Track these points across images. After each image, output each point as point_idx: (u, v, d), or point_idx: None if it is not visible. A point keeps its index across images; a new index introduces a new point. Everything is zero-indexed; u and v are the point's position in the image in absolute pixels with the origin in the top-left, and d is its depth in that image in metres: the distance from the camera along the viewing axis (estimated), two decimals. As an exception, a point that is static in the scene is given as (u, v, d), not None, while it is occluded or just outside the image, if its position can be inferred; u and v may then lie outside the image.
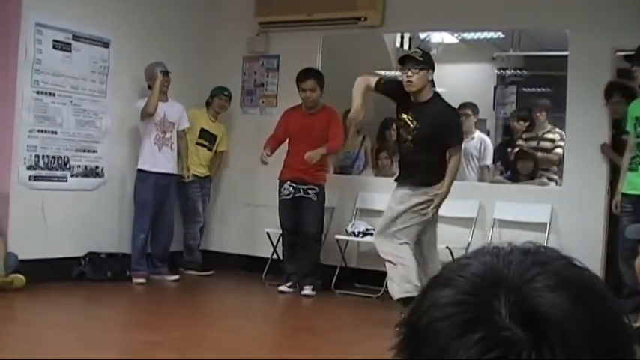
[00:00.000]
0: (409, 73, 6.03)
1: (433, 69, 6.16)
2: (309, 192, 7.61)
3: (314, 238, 7.69)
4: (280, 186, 7.73)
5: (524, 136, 8.53)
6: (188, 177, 8.17)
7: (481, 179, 8.41)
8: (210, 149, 8.53)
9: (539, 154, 8.17)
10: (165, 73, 7.79)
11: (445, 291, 0.79)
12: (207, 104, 8.50)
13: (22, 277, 6.85)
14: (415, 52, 6.40)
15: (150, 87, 7.79)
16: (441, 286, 0.80)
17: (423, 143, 6.14)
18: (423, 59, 6.11)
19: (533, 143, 8.34)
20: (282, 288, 7.61)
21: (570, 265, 0.81)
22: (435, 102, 6.21)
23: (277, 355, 5.43)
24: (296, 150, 7.60)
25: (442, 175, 6.19)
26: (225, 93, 8.46)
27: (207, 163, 8.58)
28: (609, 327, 0.77)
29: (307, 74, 7.70)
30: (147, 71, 7.85)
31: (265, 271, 8.14)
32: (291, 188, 7.64)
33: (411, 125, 6.16)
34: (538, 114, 8.41)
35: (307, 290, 7.55)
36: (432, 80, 6.22)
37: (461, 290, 0.78)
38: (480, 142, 8.55)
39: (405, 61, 6.16)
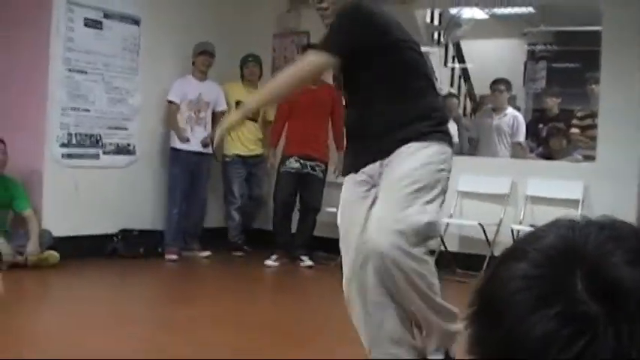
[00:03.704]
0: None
1: None
2: (316, 168, 7.67)
3: (315, 212, 7.81)
4: (285, 159, 7.74)
5: (578, 114, 8.14)
6: (217, 160, 8.14)
7: (514, 156, 8.34)
8: (254, 120, 8.13)
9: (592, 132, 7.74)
10: (205, 52, 7.86)
11: (521, 264, 0.78)
12: (242, 77, 8.41)
13: (56, 254, 6.92)
14: None
15: (194, 63, 7.95)
16: (516, 258, 0.79)
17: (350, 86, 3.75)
18: None
19: (588, 121, 7.91)
20: (269, 262, 7.68)
21: None
22: None
23: (319, 326, 5.43)
24: (301, 124, 7.59)
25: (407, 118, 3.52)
26: (250, 59, 8.33)
27: (255, 137, 8.30)
28: None
29: (313, 45, 7.74)
30: (193, 49, 7.95)
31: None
32: (298, 164, 7.67)
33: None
34: (593, 86, 7.82)
35: (307, 261, 7.75)
36: None
37: (537, 263, 0.77)
38: (512, 119, 8.46)
39: None
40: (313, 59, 3.64)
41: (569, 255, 0.77)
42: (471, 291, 0.84)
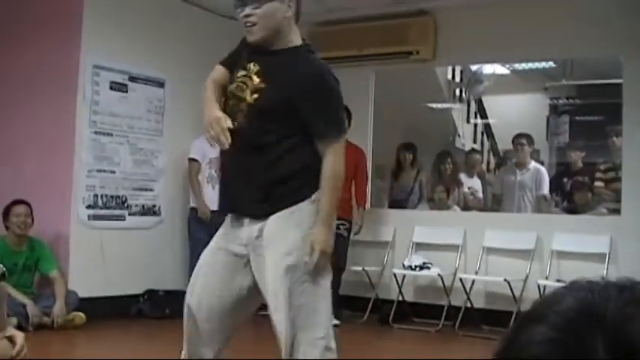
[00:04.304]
0: (247, 12, 3.37)
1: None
2: (340, 227, 7.63)
3: (340, 272, 7.67)
4: None
5: (602, 167, 8.10)
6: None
7: (538, 210, 8.30)
8: None
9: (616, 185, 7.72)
10: None
11: (540, 327, 0.78)
12: None
13: (82, 315, 6.94)
14: None
15: None
16: (535, 321, 0.79)
17: (267, 117, 3.37)
18: None
19: (612, 174, 7.90)
20: None
21: None
22: (297, 54, 3.45)
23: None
24: None
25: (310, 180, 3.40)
26: None
27: None
28: None
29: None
30: None
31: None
32: None
33: (253, 83, 3.42)
34: (615, 139, 7.86)
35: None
36: (295, 14, 3.46)
37: (556, 327, 0.77)
38: (535, 173, 8.45)
39: None
40: (340, 150, 3.50)
41: (589, 319, 0.76)
42: (491, 355, 0.84)
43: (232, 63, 3.58)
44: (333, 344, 3.35)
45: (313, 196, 3.36)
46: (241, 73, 3.46)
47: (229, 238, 3.48)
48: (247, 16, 3.36)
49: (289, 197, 3.35)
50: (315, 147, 3.39)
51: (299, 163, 3.36)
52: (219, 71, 3.66)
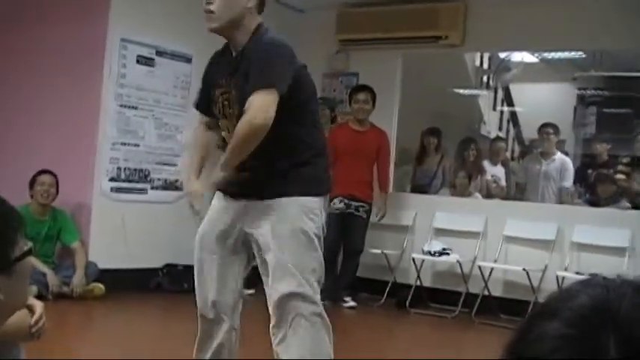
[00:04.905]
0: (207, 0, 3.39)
1: None
2: (360, 209, 7.65)
3: (358, 254, 7.76)
4: (330, 201, 7.74)
5: (624, 160, 7.95)
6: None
7: (560, 201, 8.26)
8: None
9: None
10: None
11: (553, 323, 0.78)
12: None
13: (101, 286, 7.00)
14: None
15: None
16: (548, 316, 0.79)
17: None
18: None
19: (630, 168, 7.75)
20: None
21: None
22: (257, 41, 3.40)
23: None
24: (346, 166, 7.54)
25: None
26: (320, 101, 8.34)
27: None
28: None
29: (362, 87, 7.93)
30: None
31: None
32: (342, 204, 7.65)
33: (225, 89, 3.49)
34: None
35: (350, 302, 7.68)
36: (260, 2, 3.47)
37: (569, 323, 0.77)
38: (560, 164, 8.40)
39: None
40: (267, 98, 3.22)
41: (602, 316, 0.76)
42: (503, 346, 0.84)
43: (206, 99, 3.65)
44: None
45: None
46: (219, 91, 3.51)
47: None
48: (208, 3, 3.36)
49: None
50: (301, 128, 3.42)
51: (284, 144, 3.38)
52: (201, 131, 3.81)
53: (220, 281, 3.59)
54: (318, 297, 3.40)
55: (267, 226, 3.37)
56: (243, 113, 3.24)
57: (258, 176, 3.39)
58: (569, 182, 8.42)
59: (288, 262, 3.33)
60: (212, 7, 3.34)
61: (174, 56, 7.87)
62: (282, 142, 3.33)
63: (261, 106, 3.19)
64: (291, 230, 3.35)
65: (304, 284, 3.33)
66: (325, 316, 3.42)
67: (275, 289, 3.35)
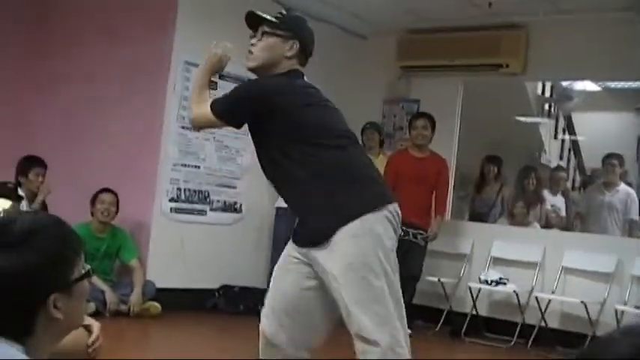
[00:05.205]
0: (252, 41, 3.67)
1: (302, 41, 3.68)
2: (418, 236, 7.59)
3: (415, 281, 7.65)
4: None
5: None
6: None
7: (629, 234, 8.11)
8: None
9: None
10: None
11: None
12: (363, 144, 8.45)
13: (158, 305, 7.07)
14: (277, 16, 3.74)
15: None
16: None
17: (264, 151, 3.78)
18: (279, 20, 3.66)
19: None
20: None
21: None
22: None
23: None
24: (405, 192, 7.50)
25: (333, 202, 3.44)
26: (368, 126, 8.33)
27: None
28: None
29: (422, 114, 7.98)
30: None
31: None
32: (401, 231, 7.59)
33: None
34: None
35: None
36: (302, 55, 3.72)
37: None
38: (625, 196, 8.28)
39: (252, 22, 3.73)
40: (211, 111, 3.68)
41: None
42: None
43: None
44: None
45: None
46: None
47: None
48: (252, 45, 3.64)
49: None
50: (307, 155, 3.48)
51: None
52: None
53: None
54: (380, 334, 3.39)
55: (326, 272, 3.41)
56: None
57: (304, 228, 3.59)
58: (634, 214, 8.27)
59: (347, 303, 3.34)
60: (253, 49, 3.62)
61: (237, 80, 7.94)
62: (294, 188, 3.54)
63: (204, 113, 3.59)
64: (343, 267, 3.37)
65: (364, 325, 3.36)
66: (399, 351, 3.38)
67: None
